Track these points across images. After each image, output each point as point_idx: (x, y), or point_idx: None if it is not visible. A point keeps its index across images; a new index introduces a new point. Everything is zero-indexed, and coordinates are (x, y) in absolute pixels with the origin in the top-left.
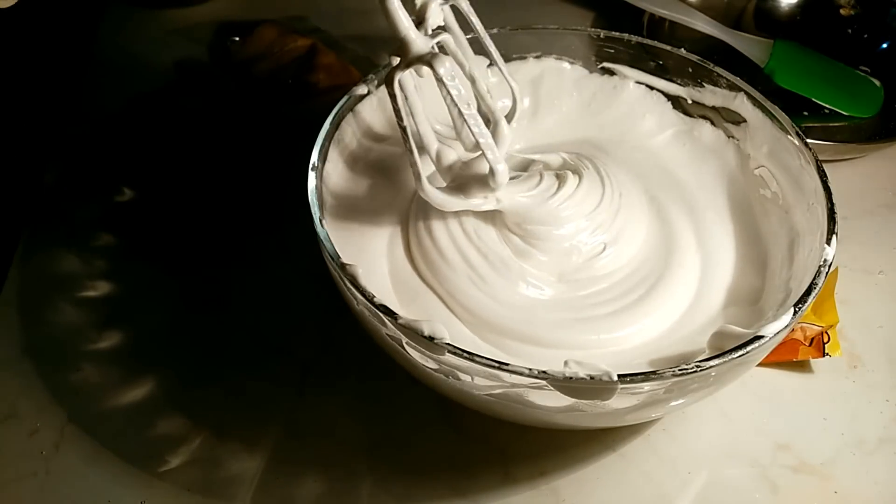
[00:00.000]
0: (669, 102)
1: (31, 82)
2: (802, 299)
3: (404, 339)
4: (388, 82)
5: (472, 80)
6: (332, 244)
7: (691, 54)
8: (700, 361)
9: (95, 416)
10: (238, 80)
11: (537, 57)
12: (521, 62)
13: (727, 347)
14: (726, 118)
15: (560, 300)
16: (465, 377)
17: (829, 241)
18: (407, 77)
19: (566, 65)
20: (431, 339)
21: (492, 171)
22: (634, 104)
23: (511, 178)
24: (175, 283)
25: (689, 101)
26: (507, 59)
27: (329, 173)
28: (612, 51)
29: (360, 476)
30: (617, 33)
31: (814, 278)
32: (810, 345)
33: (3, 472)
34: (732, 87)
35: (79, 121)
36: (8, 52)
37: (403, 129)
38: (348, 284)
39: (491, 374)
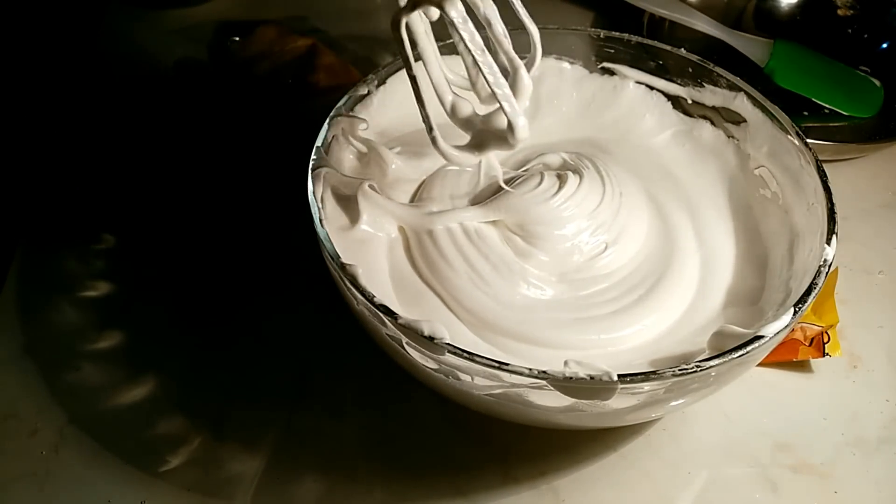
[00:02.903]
0: (669, 102)
1: (32, 82)
2: (802, 299)
3: (404, 339)
4: (395, 26)
5: (488, 24)
6: (332, 244)
7: (691, 54)
8: (700, 361)
9: (95, 416)
10: (238, 80)
11: None
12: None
13: (727, 347)
14: (726, 118)
15: (560, 300)
16: (465, 377)
17: (829, 241)
18: (417, 21)
19: (566, 65)
20: (431, 339)
21: (510, 125)
22: (634, 104)
23: (511, 178)
24: (174, 282)
25: (689, 101)
26: None
27: (329, 173)
28: (612, 51)
29: (360, 476)
30: (617, 33)
31: (814, 278)
32: (810, 345)
33: (3, 472)
34: (732, 87)
35: (79, 120)
36: (8, 51)
37: (413, 79)
38: (348, 284)
39: (491, 374)
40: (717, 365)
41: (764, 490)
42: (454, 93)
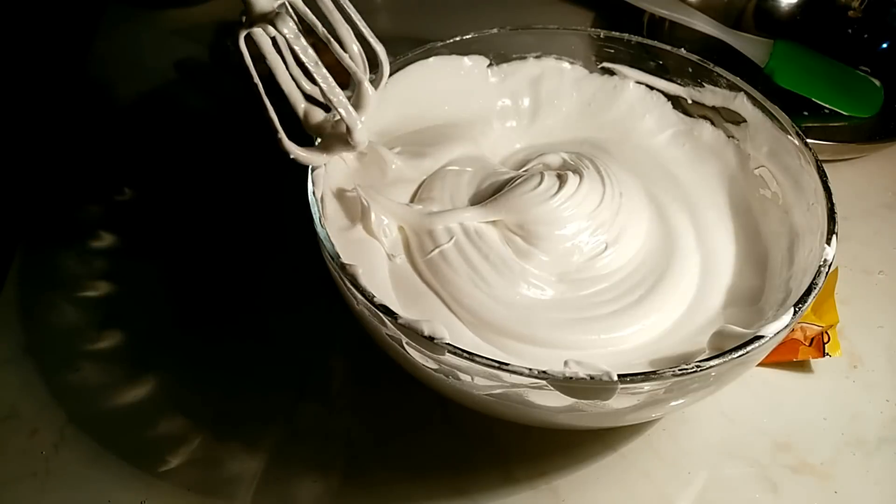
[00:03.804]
0: (669, 102)
1: (32, 82)
2: (802, 299)
3: (404, 339)
4: (233, 41)
5: (328, 41)
6: (332, 244)
7: (691, 54)
8: (700, 361)
9: (95, 416)
10: (238, 80)
11: (537, 57)
12: (521, 62)
13: (727, 347)
14: (726, 118)
15: (561, 300)
16: (465, 377)
17: (829, 241)
18: (261, 35)
19: (566, 65)
20: (431, 339)
21: (348, 129)
22: (634, 104)
23: (511, 178)
24: (175, 282)
25: (689, 101)
26: (506, 60)
27: (329, 173)
28: (612, 51)
29: (360, 476)
30: (617, 33)
31: (814, 278)
32: (810, 345)
33: (3, 472)
34: (732, 87)
35: (79, 121)
36: (8, 51)
37: (255, 87)
38: (348, 284)
39: (491, 374)
40: (717, 365)
41: (764, 490)
42: (307, 101)
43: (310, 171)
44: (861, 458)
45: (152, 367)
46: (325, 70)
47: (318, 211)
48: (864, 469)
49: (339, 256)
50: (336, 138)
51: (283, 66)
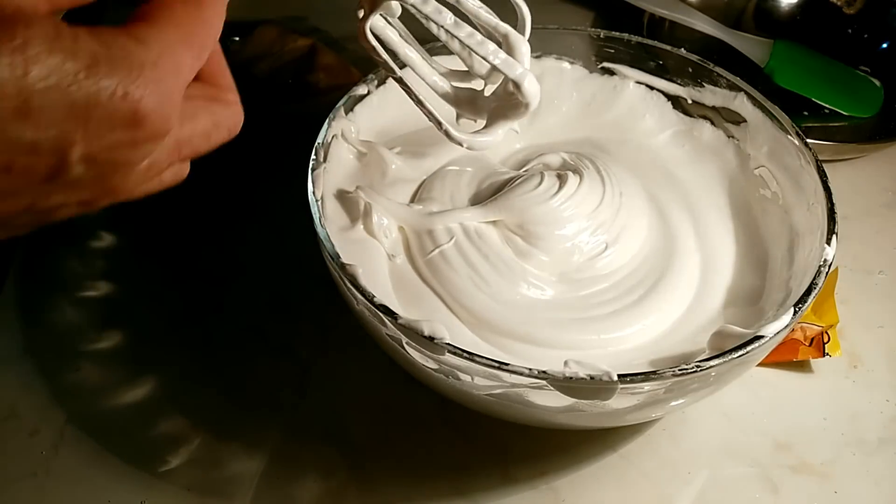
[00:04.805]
0: (669, 102)
1: None
2: (802, 299)
3: (404, 339)
4: (361, 36)
5: (458, 2)
6: (332, 244)
7: (691, 54)
8: (700, 361)
9: (95, 416)
10: (238, 80)
11: (537, 57)
12: None
13: (727, 347)
14: (726, 118)
15: (561, 300)
16: (465, 377)
17: (829, 241)
18: (384, 30)
19: (566, 65)
20: (431, 339)
21: (516, 85)
22: (634, 104)
23: (511, 178)
24: (175, 282)
25: (689, 101)
26: None
27: (329, 173)
28: (612, 51)
29: (361, 476)
30: (617, 33)
31: (814, 278)
32: (810, 345)
33: (3, 472)
34: (732, 87)
35: None
36: None
37: (400, 82)
38: (348, 284)
39: (491, 374)
40: (717, 365)
41: (764, 490)
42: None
43: (310, 172)
44: (861, 458)
45: (152, 367)
46: (468, 27)
47: (318, 211)
48: (864, 469)
49: (339, 256)
50: (502, 106)
51: (418, 55)
